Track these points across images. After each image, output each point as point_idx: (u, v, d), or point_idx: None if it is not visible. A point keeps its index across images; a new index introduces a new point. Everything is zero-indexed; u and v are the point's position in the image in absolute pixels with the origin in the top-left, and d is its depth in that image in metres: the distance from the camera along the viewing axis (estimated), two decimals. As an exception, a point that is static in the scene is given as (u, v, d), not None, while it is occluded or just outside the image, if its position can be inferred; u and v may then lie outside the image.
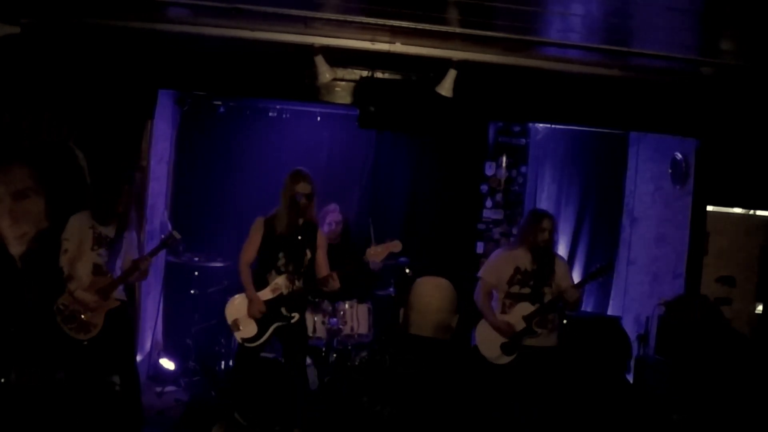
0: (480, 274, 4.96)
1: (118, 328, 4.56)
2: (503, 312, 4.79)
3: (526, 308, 4.71)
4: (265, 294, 4.52)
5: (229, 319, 4.58)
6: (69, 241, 4.47)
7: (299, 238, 4.52)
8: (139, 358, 5.55)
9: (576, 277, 6.10)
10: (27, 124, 4.93)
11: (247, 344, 4.53)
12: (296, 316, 4.56)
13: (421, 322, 2.51)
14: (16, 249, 4.80)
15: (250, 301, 4.52)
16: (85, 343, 4.42)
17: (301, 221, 4.52)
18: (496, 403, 4.71)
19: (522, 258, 4.79)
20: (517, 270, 4.76)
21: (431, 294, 2.53)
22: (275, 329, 4.54)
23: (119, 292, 4.57)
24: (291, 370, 4.62)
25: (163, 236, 4.79)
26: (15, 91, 4.88)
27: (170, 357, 6.06)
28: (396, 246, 4.52)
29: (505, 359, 4.72)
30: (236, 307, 4.59)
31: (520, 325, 4.69)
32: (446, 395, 2.48)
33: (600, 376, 5.21)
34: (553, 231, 4.83)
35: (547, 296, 4.74)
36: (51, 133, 4.97)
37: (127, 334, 4.74)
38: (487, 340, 4.76)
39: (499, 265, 4.85)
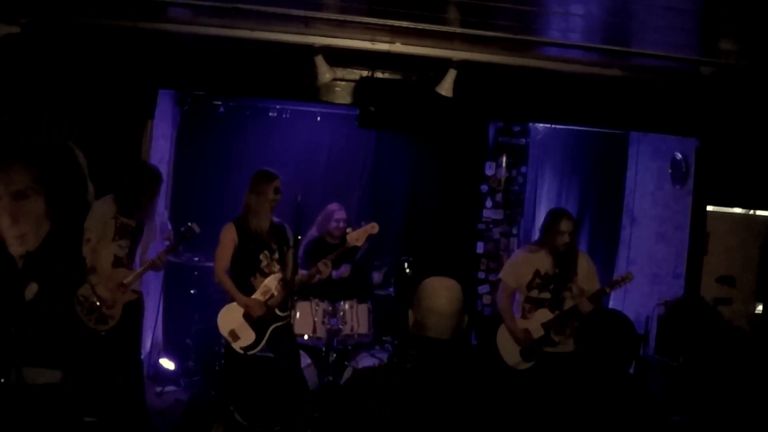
0: (500, 275, 4.85)
1: (132, 320, 4.65)
2: (523, 317, 4.67)
3: (544, 315, 4.60)
4: (257, 298, 4.50)
5: (225, 332, 4.54)
6: (91, 231, 4.52)
7: (277, 235, 4.54)
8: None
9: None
10: (27, 124, 4.93)
11: (248, 352, 4.52)
12: (289, 314, 4.59)
13: (441, 326, 2.47)
14: (16, 249, 4.80)
15: (247, 306, 4.49)
16: (103, 334, 4.51)
17: (273, 219, 4.54)
18: (517, 409, 4.69)
19: (542, 261, 4.65)
20: (536, 273, 4.64)
21: (448, 297, 2.50)
22: (272, 331, 4.53)
23: (136, 284, 4.66)
24: (290, 370, 4.60)
25: (182, 229, 4.77)
26: (15, 91, 4.88)
27: (170, 357, 6.06)
28: (373, 228, 4.56)
29: (525, 365, 4.63)
30: (229, 318, 4.54)
31: (538, 333, 4.59)
32: (471, 399, 2.45)
33: (604, 371, 5.15)
34: (574, 232, 4.66)
35: (567, 302, 4.61)
36: (51, 132, 4.97)
37: (137, 326, 4.82)
38: (508, 347, 4.66)
39: (518, 266, 4.72)
